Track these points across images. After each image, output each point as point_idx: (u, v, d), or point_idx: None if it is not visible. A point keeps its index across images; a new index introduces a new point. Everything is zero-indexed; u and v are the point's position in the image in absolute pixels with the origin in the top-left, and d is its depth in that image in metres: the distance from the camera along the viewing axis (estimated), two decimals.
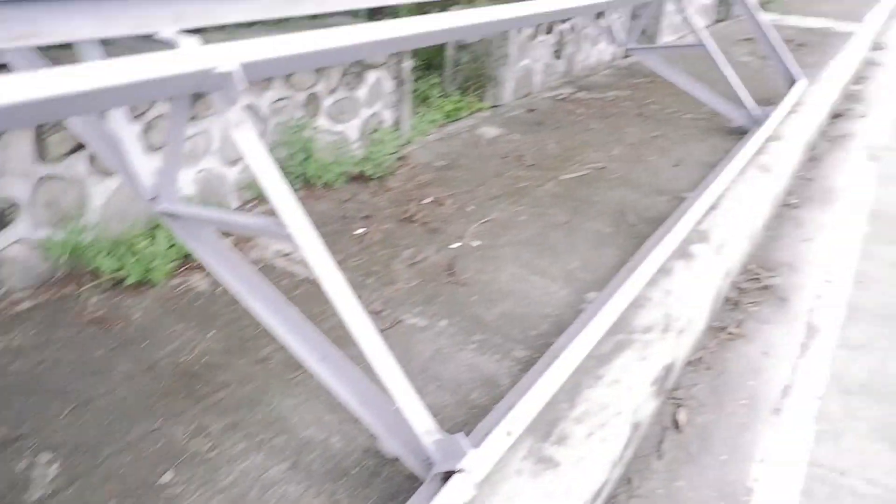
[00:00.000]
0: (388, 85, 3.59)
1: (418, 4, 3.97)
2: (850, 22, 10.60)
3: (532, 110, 4.73)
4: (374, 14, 3.54)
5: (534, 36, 4.96)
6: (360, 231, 2.90)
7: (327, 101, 3.24)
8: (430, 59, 5.09)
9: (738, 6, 5.07)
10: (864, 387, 2.46)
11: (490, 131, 4.25)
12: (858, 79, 7.49)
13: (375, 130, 3.57)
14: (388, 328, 2.25)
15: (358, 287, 2.47)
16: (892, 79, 7.62)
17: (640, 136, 4.29)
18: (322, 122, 3.26)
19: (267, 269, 2.54)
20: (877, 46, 9.89)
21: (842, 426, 2.27)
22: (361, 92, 3.42)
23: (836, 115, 5.87)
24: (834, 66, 6.85)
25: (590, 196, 3.33)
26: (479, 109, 4.68)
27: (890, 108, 6.28)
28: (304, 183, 3.19)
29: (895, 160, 4.77)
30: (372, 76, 3.44)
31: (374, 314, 2.32)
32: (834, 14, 11.55)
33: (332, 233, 2.87)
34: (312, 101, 3.17)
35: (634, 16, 5.69)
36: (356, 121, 3.44)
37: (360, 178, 3.40)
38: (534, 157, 3.83)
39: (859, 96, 6.68)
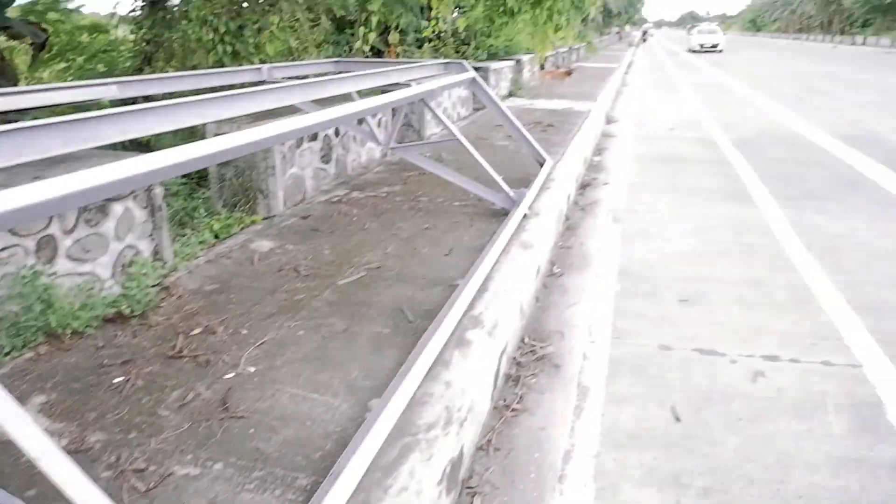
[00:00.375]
0: (140, 214, 3.44)
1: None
2: (586, 101, 12.32)
3: (306, 217, 4.80)
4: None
5: (299, 144, 5.10)
6: (120, 379, 2.67)
7: (66, 242, 3.01)
8: (194, 176, 4.99)
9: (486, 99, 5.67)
10: (631, 437, 2.73)
11: (264, 245, 4.23)
12: (599, 150, 8.69)
13: (132, 263, 3.38)
14: (154, 487, 2.07)
15: (118, 446, 2.26)
16: (624, 148, 8.93)
17: (413, 230, 4.53)
18: (63, 264, 3.02)
19: None
20: (610, 120, 11.60)
21: (617, 479, 2.49)
22: (108, 226, 3.23)
23: (584, 186, 6.72)
24: (577, 142, 7.87)
25: (368, 299, 3.42)
26: (252, 223, 4.64)
27: (625, 173, 7.32)
28: (48, 336, 2.89)
29: (632, 220, 5.55)
30: (118, 208, 3.28)
31: (137, 474, 2.12)
32: (573, 95, 13.38)
33: (86, 387, 2.62)
34: (47, 245, 2.93)
35: (395, 115, 6.09)
36: (106, 257, 3.23)
37: (119, 319, 3.16)
38: (310, 265, 3.86)
39: (601, 166, 7.72)
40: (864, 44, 55.93)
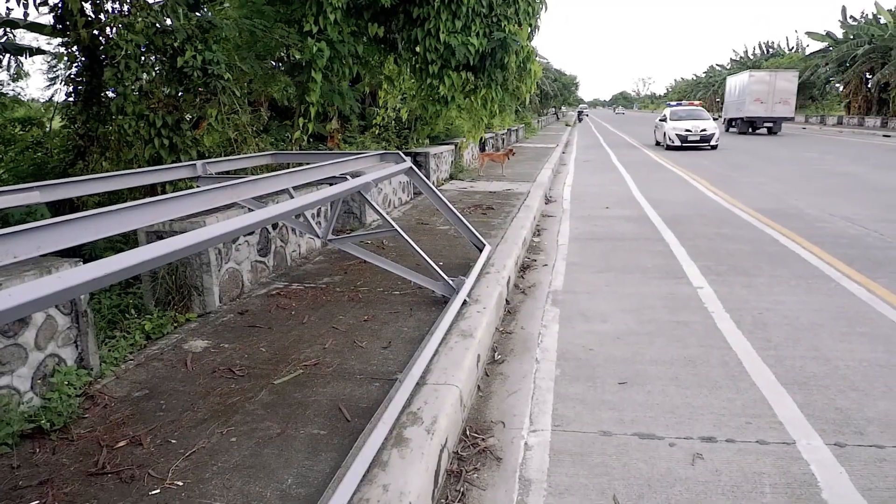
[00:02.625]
0: (63, 321, 3.33)
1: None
2: (525, 182, 12.75)
3: (243, 312, 4.74)
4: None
5: (235, 239, 5.08)
6: (36, 503, 2.52)
7: None
8: None
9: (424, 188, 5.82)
10: None
11: (198, 344, 4.13)
12: (539, 230, 8.92)
13: (54, 373, 3.24)
14: None
15: None
16: (562, 228, 9.20)
17: (352, 322, 4.52)
18: None
19: None
20: (549, 200, 11.98)
21: None
22: (28, 336, 3.12)
23: (525, 267, 6.86)
24: (516, 224, 8.08)
25: (304, 398, 3.36)
26: (186, 321, 4.55)
27: (563, 254, 7.52)
28: None
29: (571, 302, 5.67)
30: (39, 316, 3.18)
31: None
32: (512, 176, 13.84)
33: None
34: None
35: (332, 207, 6.16)
36: (25, 369, 3.10)
37: (38, 434, 3.01)
38: (245, 365, 3.79)
39: (540, 247, 7.92)
40: None
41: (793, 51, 71.46)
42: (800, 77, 58.64)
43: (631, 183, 14.54)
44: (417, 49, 9.41)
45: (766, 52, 79.30)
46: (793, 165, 17.88)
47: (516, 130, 28.58)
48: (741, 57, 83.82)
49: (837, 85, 55.62)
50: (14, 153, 7.80)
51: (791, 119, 37.38)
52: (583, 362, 4.38)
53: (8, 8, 11.14)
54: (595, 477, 3.07)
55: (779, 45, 78.47)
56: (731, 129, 40.33)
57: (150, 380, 3.62)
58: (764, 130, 37.89)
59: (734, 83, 40.48)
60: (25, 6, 6.39)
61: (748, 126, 37.72)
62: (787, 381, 4.05)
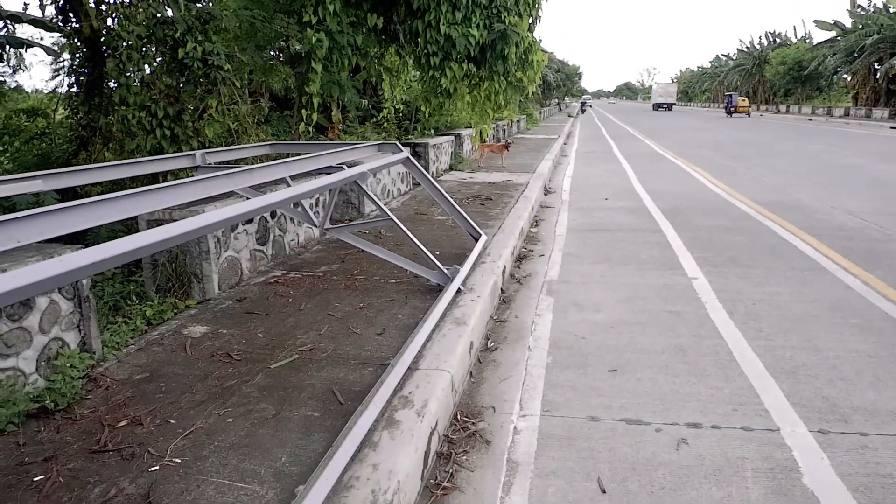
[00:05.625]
0: (67, 306, 3.45)
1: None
2: (525, 173, 12.82)
3: (242, 300, 4.85)
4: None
5: (234, 228, 5.19)
6: (41, 478, 2.64)
7: None
8: (125, 264, 5.00)
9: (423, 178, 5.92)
10: None
11: (197, 330, 4.25)
12: (537, 221, 9.01)
13: (57, 356, 3.36)
14: None
15: None
16: (560, 219, 9.28)
17: (348, 310, 4.62)
18: None
19: None
20: (548, 191, 12.05)
21: None
22: (32, 319, 3.23)
23: (521, 258, 6.95)
24: (514, 215, 8.17)
25: (299, 382, 3.47)
26: (186, 308, 4.66)
27: (560, 244, 7.61)
28: None
29: (566, 292, 5.77)
30: (43, 301, 3.29)
31: None
32: (512, 168, 13.91)
33: (4, 488, 2.57)
34: None
35: (330, 196, 6.26)
36: (30, 351, 3.21)
37: (42, 414, 3.13)
38: (243, 350, 3.90)
39: (538, 238, 8.01)
40: (787, 112, 59.97)
41: (800, 40, 71.17)
42: (805, 68, 59.15)
43: (631, 174, 14.61)
44: (419, 41, 9.48)
45: (772, 41, 78.97)
46: (796, 157, 17.91)
47: (518, 121, 28.61)
48: (747, 47, 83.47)
49: (845, 76, 55.46)
50: (19, 143, 7.92)
51: (672, 104, 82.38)
52: (575, 350, 4.48)
53: (25, 3, 11.25)
54: (581, 460, 3.18)
55: (785, 35, 78.15)
56: (657, 109, 78.84)
57: (150, 363, 3.73)
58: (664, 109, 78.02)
59: (655, 87, 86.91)
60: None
61: (659, 107, 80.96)
62: (775, 371, 4.14)
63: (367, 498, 2.46)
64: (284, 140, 9.23)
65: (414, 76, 12.99)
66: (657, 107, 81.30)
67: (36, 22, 8.40)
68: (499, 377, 4.07)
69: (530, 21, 10.21)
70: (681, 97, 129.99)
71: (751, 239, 7.81)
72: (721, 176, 13.85)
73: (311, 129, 9.34)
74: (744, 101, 57.10)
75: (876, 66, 47.33)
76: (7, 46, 8.93)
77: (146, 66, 6.80)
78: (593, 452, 3.24)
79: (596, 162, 17.86)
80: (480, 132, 12.97)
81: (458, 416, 3.53)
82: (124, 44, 6.30)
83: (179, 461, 2.75)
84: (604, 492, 2.94)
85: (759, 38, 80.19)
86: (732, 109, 56.58)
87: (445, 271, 4.99)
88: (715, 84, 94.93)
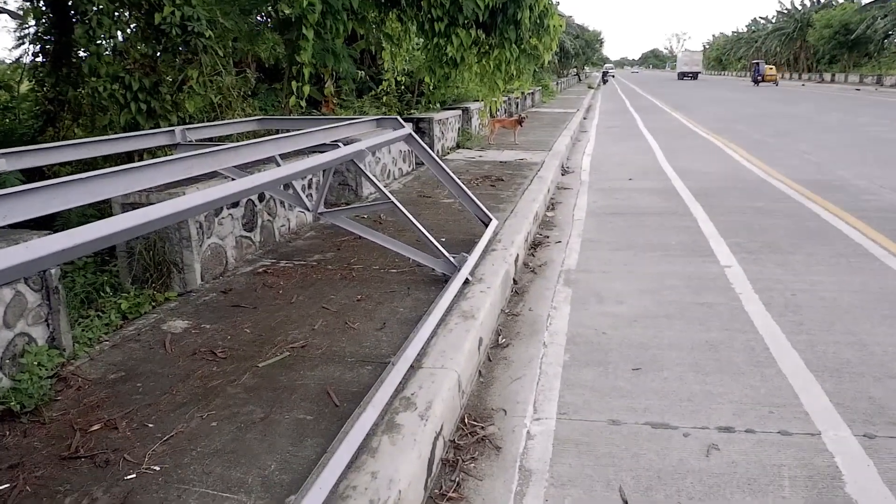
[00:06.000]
0: (34, 298, 3.46)
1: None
2: (540, 152, 12.78)
3: (227, 291, 4.85)
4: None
5: (218, 212, 5.19)
6: (5, 487, 2.66)
7: None
8: (98, 252, 5.01)
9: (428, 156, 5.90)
10: None
11: (178, 325, 4.26)
12: (553, 204, 8.99)
13: (24, 353, 3.37)
14: None
15: None
16: (579, 201, 9.26)
17: (344, 302, 4.63)
18: None
19: None
20: (565, 171, 12.01)
21: None
22: None
23: (536, 244, 6.94)
24: (527, 197, 8.15)
25: (291, 382, 3.48)
26: (165, 300, 4.67)
27: (579, 230, 7.59)
28: None
29: (585, 282, 5.75)
30: (7, 292, 3.30)
31: None
32: (526, 145, 13.87)
33: None
34: None
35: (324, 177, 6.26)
36: None
37: (7, 417, 3.14)
38: (228, 347, 3.91)
39: (554, 222, 7.99)
40: (832, 81, 59.51)
41: (847, 0, 70.35)
42: (853, 32, 59.14)
43: (658, 151, 14.54)
44: (422, 4, 9.41)
45: (816, 2, 78.15)
46: (842, 131, 17.77)
47: (532, 94, 28.48)
48: (788, 9, 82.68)
49: None
50: None
51: (698, 73, 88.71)
52: (594, 346, 4.47)
53: None
54: (601, 468, 3.18)
55: None
56: (682, 79, 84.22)
57: (126, 361, 3.75)
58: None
59: (680, 56, 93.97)
60: None
61: (684, 76, 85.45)
62: (817, 368, 4.12)
63: None
64: (273, 115, 9.21)
65: (417, 44, 12.91)
66: (682, 76, 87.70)
67: None
68: (510, 376, 4.07)
69: None
70: (713, 65, 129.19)
71: (790, 222, 7.76)
72: (757, 152, 13.76)
73: (302, 103, 9.31)
74: (771, 69, 61.15)
75: None
76: None
77: (119, 32, 6.78)
78: (615, 459, 3.24)
79: (619, 138, 17.77)
80: (490, 106, 12.90)
81: (466, 420, 3.53)
82: (94, 8, 6.27)
83: (158, 469, 2.76)
84: (626, 503, 2.94)
85: None
86: (759, 78, 59.90)
87: (452, 260, 4.98)
88: (751, 51, 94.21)
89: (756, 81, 60.23)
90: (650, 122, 22.88)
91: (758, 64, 62.64)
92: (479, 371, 4.09)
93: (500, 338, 4.59)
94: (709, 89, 50.68)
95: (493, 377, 4.06)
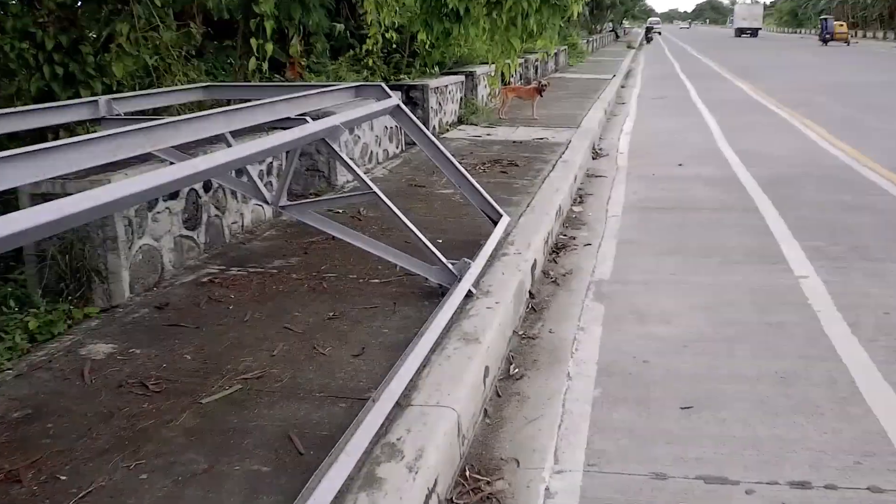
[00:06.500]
0: None
1: None
2: (565, 129, 12.81)
3: (163, 306, 4.85)
4: None
5: (152, 205, 5.18)
6: None
7: None
8: (7, 253, 5.00)
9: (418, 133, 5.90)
10: None
11: (100, 349, 4.26)
12: (581, 196, 9.01)
13: None
14: None
15: None
16: (614, 193, 9.27)
17: (312, 321, 4.62)
18: None
19: None
20: (598, 154, 12.04)
21: None
22: None
23: (559, 248, 6.96)
24: (548, 188, 8.16)
25: (243, 423, 3.46)
26: (85, 317, 4.67)
27: (614, 229, 7.60)
28: None
29: (621, 296, 5.75)
30: None
31: None
32: (547, 120, 13.89)
33: None
34: None
35: (288, 161, 6.26)
36: None
37: None
38: (163, 377, 3.90)
39: (582, 219, 8.01)
40: None
41: None
42: None
43: (716, 129, 14.56)
44: None
45: None
46: None
47: (556, 55, 28.54)
48: None
49: None
50: None
51: (758, 29, 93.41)
52: (633, 379, 4.46)
53: None
54: None
55: None
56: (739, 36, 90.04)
57: (33, 395, 3.74)
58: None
59: (737, 9, 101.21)
60: None
61: (742, 32, 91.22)
62: None
63: None
64: (224, 81, 9.21)
65: None
66: (740, 32, 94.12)
67: None
68: (525, 417, 4.05)
69: None
70: (786, 20, 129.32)
71: (884, 221, 7.77)
72: (843, 131, 13.77)
73: (263, 66, 9.31)
74: (841, 25, 65.23)
75: None
76: None
77: None
78: None
79: (666, 112, 17.80)
80: (503, 71, 12.91)
81: (468, 472, 3.52)
82: None
83: None
84: None
85: None
86: (828, 36, 63.22)
87: (450, 267, 4.97)
88: (836, 4, 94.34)
89: (824, 40, 63.10)
90: (706, 91, 22.92)
91: (826, 20, 66.04)
92: (485, 410, 4.07)
93: (512, 367, 4.58)
94: (776, 51, 50.78)
95: (503, 418, 4.04)
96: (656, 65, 38.14)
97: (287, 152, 5.68)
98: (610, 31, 74.47)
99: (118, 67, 6.93)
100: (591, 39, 48.87)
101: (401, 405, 3.51)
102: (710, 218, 8.00)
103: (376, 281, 5.32)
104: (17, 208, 4.80)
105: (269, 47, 8.93)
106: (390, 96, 5.70)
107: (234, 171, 5.64)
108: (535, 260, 6.00)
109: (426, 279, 5.11)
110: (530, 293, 5.66)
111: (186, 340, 4.37)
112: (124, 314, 4.75)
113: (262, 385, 3.83)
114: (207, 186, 5.88)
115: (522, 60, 21.06)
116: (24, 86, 6.54)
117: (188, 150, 5.10)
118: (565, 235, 7.40)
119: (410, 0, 12.84)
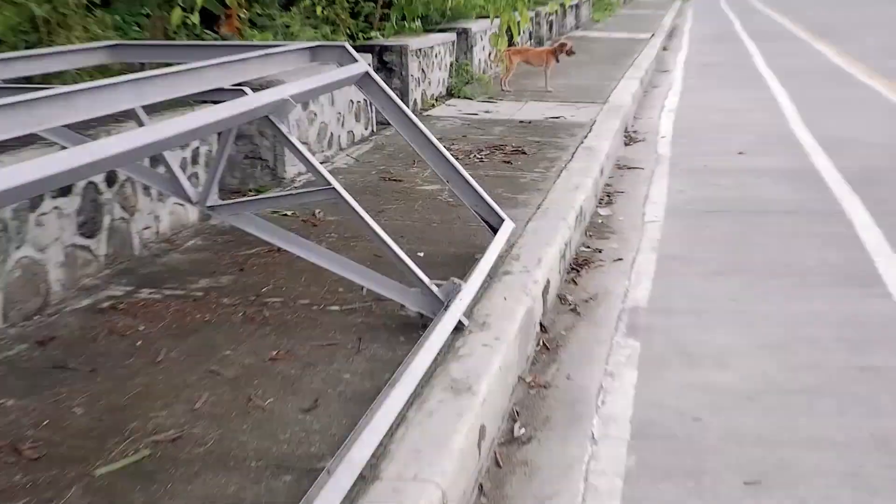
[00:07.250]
0: None
1: None
2: (589, 104, 12.84)
3: (46, 342, 4.78)
4: None
5: (35, 204, 5.11)
6: None
7: None
8: None
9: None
10: None
11: None
12: (610, 195, 9.00)
13: None
14: None
15: None
16: (653, 191, 9.26)
17: (248, 362, 4.56)
18: None
19: None
20: (631, 138, 12.05)
21: None
22: None
23: (579, 264, 6.92)
24: (566, 183, 8.12)
25: (151, 501, 3.39)
26: None
27: (652, 240, 7.56)
28: None
29: (663, 330, 5.70)
30: None
31: None
32: (564, 93, 13.93)
33: None
34: None
35: (220, 146, 6.21)
36: None
37: None
38: (44, 438, 3.83)
39: (610, 226, 8.00)
40: None
41: None
42: None
43: (788, 107, 14.61)
44: None
45: None
46: None
47: (576, 6, 28.64)
48: None
49: None
50: None
51: None
52: (680, 443, 4.41)
53: None
54: None
55: None
56: None
57: None
58: None
59: None
60: None
61: None
62: None
63: None
64: (138, 39, 9.15)
65: None
66: None
67: None
68: (535, 495, 4.00)
69: None
70: None
71: None
72: None
73: (190, 18, 9.27)
74: None
75: None
76: None
77: None
78: None
79: (722, 83, 17.86)
80: (510, 27, 12.90)
81: None
82: None
83: None
84: None
85: None
86: None
87: (435, 290, 4.91)
88: None
89: None
90: (774, 56, 23.02)
91: None
92: (480, 485, 4.01)
93: (517, 427, 4.53)
94: (868, 1, 51.22)
95: (505, 497, 3.98)
96: (709, 20, 38.32)
97: (219, 134, 5.61)
98: None
99: None
100: None
101: (365, 478, 3.43)
102: (781, 225, 7.98)
103: (335, 308, 5.26)
104: None
105: None
106: (357, 60, 5.66)
107: (147, 160, 5.57)
108: (548, 281, 5.96)
109: (402, 306, 5.06)
110: (541, 326, 5.62)
111: (77, 388, 4.29)
112: None
113: (178, 450, 3.75)
114: (111, 180, 5.83)
115: (533, 14, 21.10)
116: None
117: (87, 130, 5.04)
118: (588, 247, 7.37)
119: None
